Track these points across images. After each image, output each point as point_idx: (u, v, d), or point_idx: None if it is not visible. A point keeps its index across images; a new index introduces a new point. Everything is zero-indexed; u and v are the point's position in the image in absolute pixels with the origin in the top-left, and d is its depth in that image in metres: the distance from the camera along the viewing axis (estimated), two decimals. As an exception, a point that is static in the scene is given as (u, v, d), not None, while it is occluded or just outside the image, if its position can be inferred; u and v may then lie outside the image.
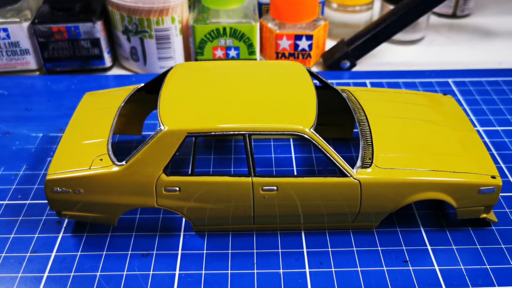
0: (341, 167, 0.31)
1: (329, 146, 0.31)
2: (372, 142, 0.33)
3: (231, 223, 0.34)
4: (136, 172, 0.31)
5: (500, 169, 0.40)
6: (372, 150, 0.33)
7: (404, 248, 0.33)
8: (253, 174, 0.32)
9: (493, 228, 0.35)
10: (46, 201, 0.37)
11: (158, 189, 0.32)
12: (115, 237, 0.34)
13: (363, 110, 0.36)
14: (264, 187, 0.32)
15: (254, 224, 0.34)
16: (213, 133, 0.31)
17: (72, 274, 0.32)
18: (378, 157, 0.32)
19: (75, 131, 0.35)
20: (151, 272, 0.32)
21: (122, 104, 0.36)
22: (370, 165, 0.32)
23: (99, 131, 0.34)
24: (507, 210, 0.36)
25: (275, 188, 0.32)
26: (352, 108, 0.36)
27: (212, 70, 0.36)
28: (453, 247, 0.33)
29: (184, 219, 0.35)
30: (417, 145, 0.34)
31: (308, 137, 0.31)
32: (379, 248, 0.33)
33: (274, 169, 0.40)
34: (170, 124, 0.31)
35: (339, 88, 0.39)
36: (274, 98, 0.33)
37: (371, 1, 0.58)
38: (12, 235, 0.35)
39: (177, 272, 0.32)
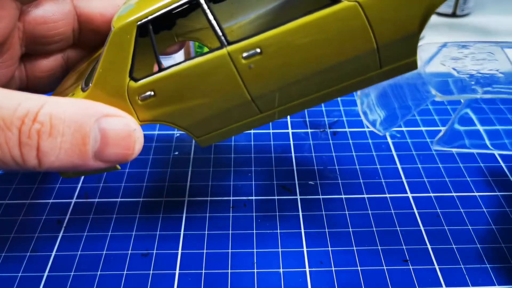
0: None
1: None
2: None
3: (233, 121, 0.29)
4: (103, 88, 0.27)
5: (499, 168, 0.40)
6: None
7: (404, 247, 0.33)
8: (226, 44, 0.26)
9: (493, 227, 0.35)
10: (46, 201, 0.37)
11: (132, 101, 0.28)
12: (115, 237, 0.34)
13: None
14: (244, 54, 0.26)
15: (261, 113, 0.28)
16: (163, 11, 0.26)
17: (72, 274, 0.32)
18: None
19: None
20: (151, 272, 0.32)
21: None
22: None
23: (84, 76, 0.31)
24: (507, 209, 0.36)
25: (258, 50, 0.25)
26: None
27: None
28: (453, 246, 0.33)
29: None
30: None
31: None
32: (379, 248, 0.33)
33: (274, 168, 0.40)
34: (118, 24, 0.27)
35: None
36: None
37: None
38: (12, 235, 0.35)
39: (177, 272, 0.32)
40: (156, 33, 0.34)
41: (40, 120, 0.23)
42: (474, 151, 0.42)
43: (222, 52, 0.26)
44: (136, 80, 0.27)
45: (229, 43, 0.26)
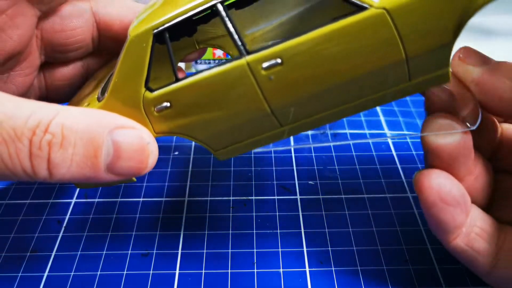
0: None
1: None
2: None
3: (253, 134, 0.27)
4: (118, 98, 0.27)
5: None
6: None
7: (404, 247, 0.33)
8: (245, 53, 0.24)
9: (493, 227, 0.35)
10: (46, 201, 0.37)
11: (148, 112, 0.27)
12: (115, 236, 0.34)
13: None
14: (264, 65, 0.24)
15: (282, 126, 0.27)
16: (180, 18, 0.25)
17: (72, 274, 0.32)
18: None
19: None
20: (151, 272, 0.32)
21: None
22: None
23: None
24: (507, 209, 0.36)
25: (278, 61, 0.24)
26: None
27: None
28: (453, 246, 0.34)
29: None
30: None
31: None
32: (379, 248, 0.33)
33: (274, 168, 0.40)
34: (134, 32, 0.26)
35: None
36: None
37: None
38: (12, 235, 0.35)
39: (177, 271, 0.32)
40: (176, 39, 0.33)
41: (51, 131, 0.22)
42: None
43: (241, 62, 0.24)
44: (152, 91, 0.26)
45: (249, 53, 0.24)
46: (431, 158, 0.27)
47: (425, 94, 0.28)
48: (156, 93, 0.26)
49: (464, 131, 0.26)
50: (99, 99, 0.28)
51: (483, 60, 0.27)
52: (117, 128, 0.24)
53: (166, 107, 0.26)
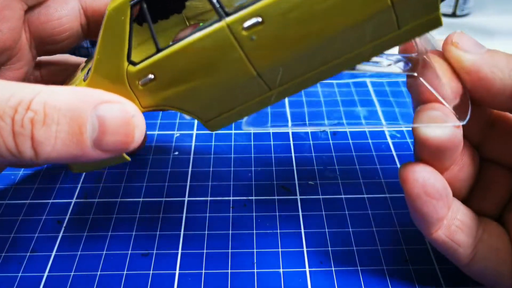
0: None
1: None
2: None
3: (241, 100, 0.26)
4: (102, 75, 0.26)
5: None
6: None
7: (404, 247, 0.33)
8: (224, 15, 0.23)
9: (493, 227, 0.35)
10: (46, 201, 0.37)
11: (133, 86, 0.26)
12: (115, 236, 0.34)
13: None
14: (245, 25, 0.23)
15: (270, 89, 0.26)
16: None
17: (72, 274, 0.32)
18: None
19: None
20: (151, 272, 0.32)
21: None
22: None
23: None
24: (507, 209, 0.36)
25: (259, 19, 0.23)
26: None
27: None
28: (453, 246, 0.34)
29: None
30: None
31: None
32: (379, 247, 0.33)
33: (274, 168, 0.40)
34: (111, 6, 0.26)
35: None
36: None
37: None
38: (12, 235, 0.35)
39: (177, 271, 0.32)
40: (166, 18, 0.33)
41: (33, 109, 0.22)
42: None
43: (221, 25, 0.23)
44: (134, 64, 0.26)
45: (228, 14, 0.23)
46: (419, 149, 0.27)
47: (414, 87, 0.28)
48: (138, 66, 0.26)
49: (454, 125, 0.26)
50: (84, 79, 0.28)
51: (477, 47, 0.27)
52: (102, 103, 0.24)
53: (150, 80, 0.26)
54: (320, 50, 0.24)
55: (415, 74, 0.27)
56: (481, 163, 0.31)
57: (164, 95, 0.26)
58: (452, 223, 0.28)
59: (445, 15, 0.66)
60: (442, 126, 0.26)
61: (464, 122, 0.26)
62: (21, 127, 0.22)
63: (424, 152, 0.27)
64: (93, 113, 0.23)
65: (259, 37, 0.23)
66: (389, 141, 0.43)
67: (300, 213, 0.36)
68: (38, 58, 0.35)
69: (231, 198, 0.37)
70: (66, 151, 0.23)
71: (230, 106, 0.27)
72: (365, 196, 0.37)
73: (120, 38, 0.26)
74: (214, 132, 0.43)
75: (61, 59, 0.36)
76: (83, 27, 0.33)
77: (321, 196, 0.37)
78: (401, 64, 0.28)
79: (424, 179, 0.26)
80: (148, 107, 0.27)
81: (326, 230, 0.35)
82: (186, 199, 0.37)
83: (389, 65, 0.28)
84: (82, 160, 0.24)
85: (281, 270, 0.32)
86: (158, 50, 0.25)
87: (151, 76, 0.26)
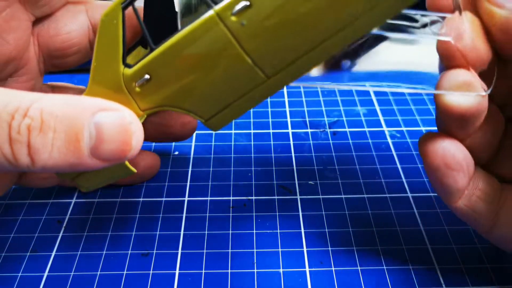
0: None
1: None
2: None
3: (240, 93, 0.25)
4: (100, 82, 0.26)
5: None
6: None
7: (404, 247, 0.33)
8: (212, 4, 0.23)
9: (493, 227, 0.35)
10: (46, 201, 0.37)
11: (130, 89, 0.26)
12: (115, 236, 0.34)
13: None
14: (233, 11, 0.22)
15: (268, 78, 0.24)
16: None
17: (72, 274, 0.32)
18: None
19: None
20: (151, 272, 0.32)
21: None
22: None
23: None
24: (507, 209, 0.36)
25: (247, 3, 0.22)
26: None
27: None
28: (453, 246, 0.33)
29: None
30: None
31: None
32: (379, 247, 0.33)
33: (274, 168, 0.40)
34: (103, 13, 0.26)
35: None
36: None
37: None
38: (12, 235, 0.35)
39: (177, 271, 0.32)
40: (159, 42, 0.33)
41: (30, 115, 0.22)
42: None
43: (210, 14, 0.23)
44: (130, 67, 0.26)
45: (216, 3, 0.23)
46: (441, 116, 0.26)
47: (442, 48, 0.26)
48: (134, 67, 0.25)
49: (478, 95, 0.25)
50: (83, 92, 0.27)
51: (510, 3, 0.25)
52: (99, 111, 0.24)
53: (146, 80, 0.25)
54: (314, 26, 0.23)
55: (450, 39, 0.25)
56: (507, 124, 0.29)
57: (161, 95, 0.26)
58: (473, 193, 0.27)
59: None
60: (466, 94, 0.25)
61: (488, 92, 0.25)
62: (17, 133, 0.22)
63: (446, 119, 0.26)
64: (91, 121, 0.23)
65: (249, 22, 0.22)
66: (389, 141, 0.43)
67: (300, 213, 0.36)
68: (52, 84, 0.35)
69: (231, 198, 0.37)
70: (62, 159, 0.23)
71: (229, 99, 0.26)
72: (365, 196, 0.37)
73: (114, 42, 0.26)
74: (214, 132, 0.43)
75: (76, 86, 0.36)
76: (92, 43, 0.33)
77: (321, 196, 0.37)
78: (436, 27, 0.27)
79: (444, 150, 0.26)
80: (147, 109, 0.27)
81: (326, 230, 0.35)
82: (186, 199, 0.37)
83: (424, 26, 0.27)
84: (80, 168, 0.24)
85: (281, 270, 0.32)
86: (151, 50, 0.25)
87: (146, 76, 0.25)
